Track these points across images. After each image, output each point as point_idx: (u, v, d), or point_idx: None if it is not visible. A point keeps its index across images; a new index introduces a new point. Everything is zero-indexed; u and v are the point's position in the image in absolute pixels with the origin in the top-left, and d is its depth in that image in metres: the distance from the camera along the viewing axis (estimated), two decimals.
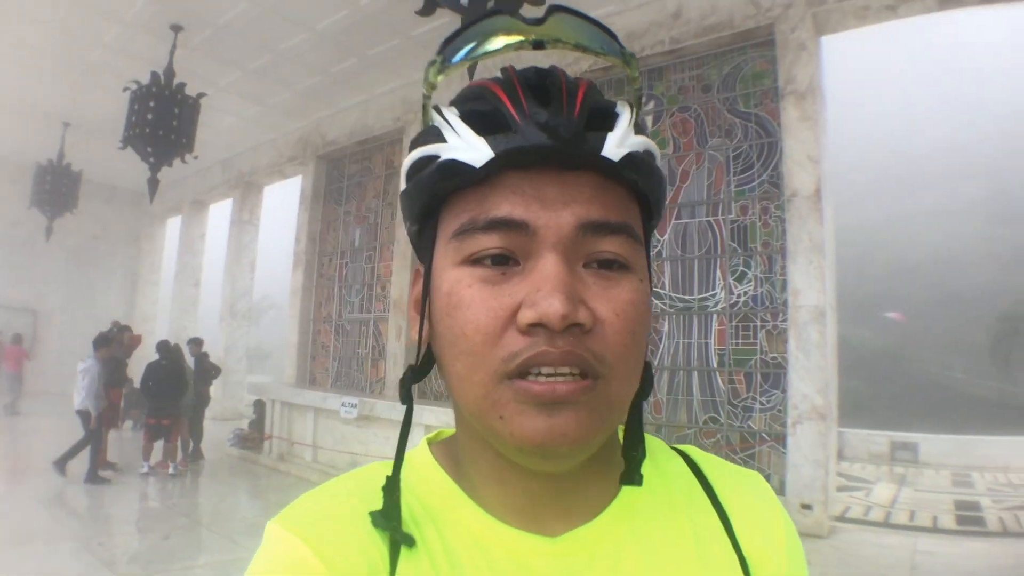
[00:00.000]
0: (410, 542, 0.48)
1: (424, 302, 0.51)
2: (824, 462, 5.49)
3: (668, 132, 7.10)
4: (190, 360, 8.84)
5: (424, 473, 0.54)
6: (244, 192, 13.09)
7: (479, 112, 0.48)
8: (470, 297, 0.46)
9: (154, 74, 8.28)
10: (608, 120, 0.49)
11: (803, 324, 5.71)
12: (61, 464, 7.23)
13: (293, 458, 8.27)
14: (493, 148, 0.46)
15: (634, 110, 0.51)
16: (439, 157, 0.48)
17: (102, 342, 7.67)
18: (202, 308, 14.70)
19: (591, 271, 0.47)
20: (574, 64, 6.63)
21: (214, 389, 9.80)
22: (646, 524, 0.54)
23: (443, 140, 0.48)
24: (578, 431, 0.45)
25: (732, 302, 6.36)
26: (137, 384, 8.86)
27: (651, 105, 7.29)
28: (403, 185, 0.53)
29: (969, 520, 6.78)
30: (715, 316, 6.47)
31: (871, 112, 60.97)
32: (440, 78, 0.50)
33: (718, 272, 6.51)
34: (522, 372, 0.44)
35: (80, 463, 7.19)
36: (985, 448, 11.19)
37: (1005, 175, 51.42)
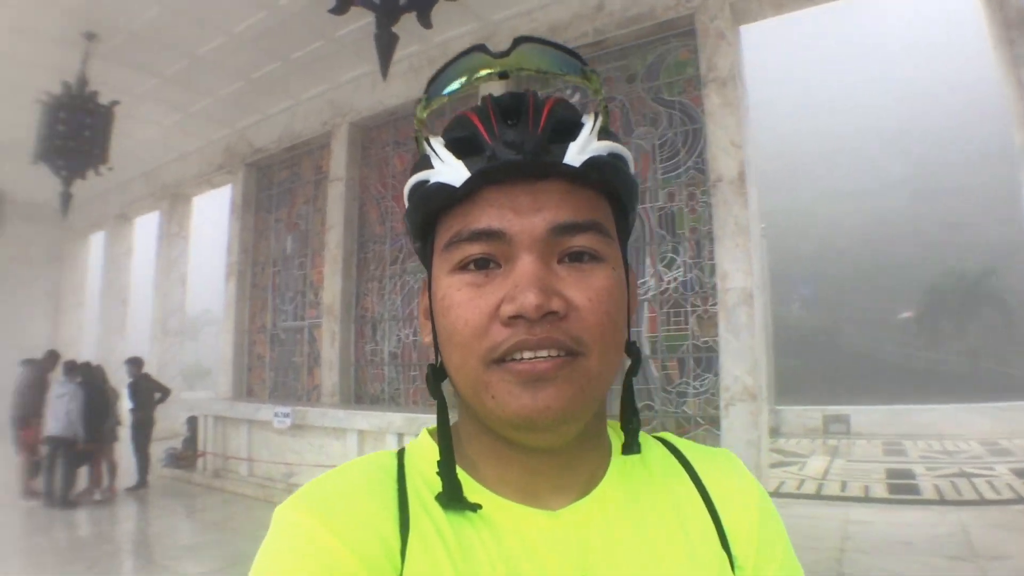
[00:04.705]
0: (474, 508, 0.54)
1: (431, 307, 0.58)
2: (756, 441, 5.59)
3: None
4: (119, 381, 8.51)
5: (429, 457, 0.59)
6: (172, 204, 12.67)
7: (459, 138, 0.55)
8: (460, 299, 0.53)
9: (65, 84, 7.96)
10: (573, 131, 0.55)
11: (732, 307, 5.81)
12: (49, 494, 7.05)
13: (228, 474, 8.04)
14: (469, 169, 0.53)
15: (598, 119, 0.56)
16: (428, 181, 0.56)
17: (77, 370, 7.55)
18: (132, 327, 14.04)
19: (565, 265, 0.54)
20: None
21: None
22: (634, 498, 0.60)
23: (432, 166, 0.56)
24: (560, 403, 0.51)
25: (662, 289, 6.45)
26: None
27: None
28: (406, 207, 0.61)
29: (902, 488, 6.97)
30: (646, 304, 6.55)
31: (793, 98, 62.80)
32: (426, 113, 0.58)
33: (647, 260, 6.59)
34: (507, 357, 0.51)
35: None
36: (917, 416, 11.56)
37: (925, 153, 53.66)
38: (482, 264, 0.53)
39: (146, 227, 13.92)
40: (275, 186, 10.64)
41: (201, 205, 13.34)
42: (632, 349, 0.60)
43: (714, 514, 0.62)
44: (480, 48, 0.56)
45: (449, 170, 0.54)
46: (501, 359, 0.51)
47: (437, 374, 0.59)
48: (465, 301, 0.53)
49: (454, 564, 0.52)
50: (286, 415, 7.12)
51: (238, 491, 7.49)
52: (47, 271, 15.76)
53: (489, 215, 0.53)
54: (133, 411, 8.19)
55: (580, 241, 0.54)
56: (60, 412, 7.15)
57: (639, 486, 0.62)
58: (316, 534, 0.50)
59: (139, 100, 9.52)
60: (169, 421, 11.15)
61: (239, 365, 10.49)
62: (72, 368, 7.63)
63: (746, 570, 0.61)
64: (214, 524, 6.26)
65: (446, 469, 0.56)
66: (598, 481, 0.60)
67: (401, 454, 0.61)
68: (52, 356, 8.41)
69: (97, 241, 15.38)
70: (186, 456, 8.83)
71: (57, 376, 7.68)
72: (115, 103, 8.30)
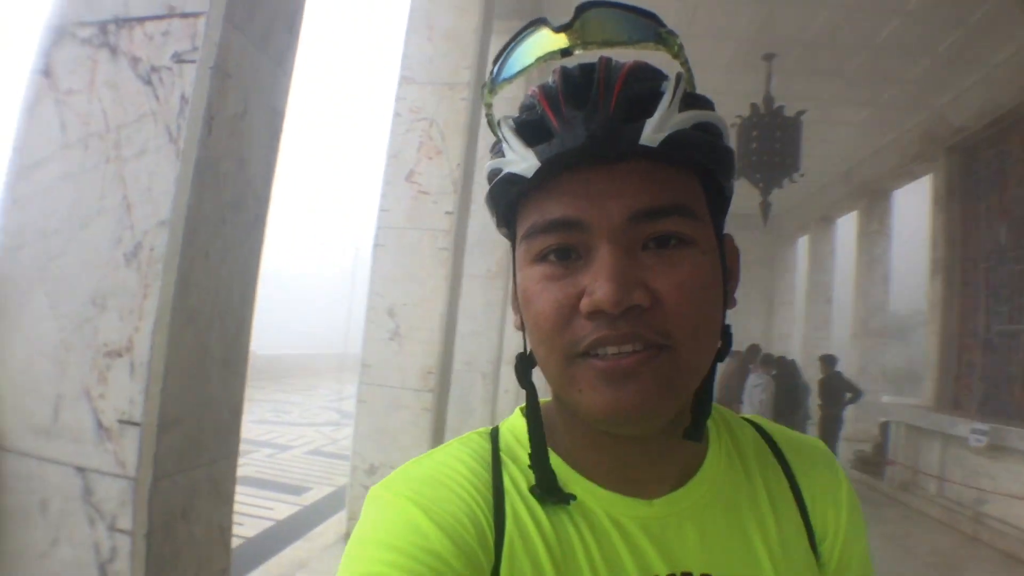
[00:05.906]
0: (568, 499, 0.54)
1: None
2: None
3: None
4: (811, 377, 8.80)
5: (524, 442, 0.58)
6: (870, 201, 12.40)
7: (529, 122, 0.52)
8: (539, 292, 0.51)
9: (753, 105, 8.76)
10: (650, 105, 0.49)
11: None
12: None
13: (915, 488, 7.34)
14: (539, 157, 0.50)
15: (680, 86, 0.51)
16: (502, 170, 0.54)
17: (772, 363, 8.43)
18: (834, 326, 14.28)
19: (650, 252, 0.49)
20: None
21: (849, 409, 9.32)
22: (730, 489, 0.58)
23: (504, 154, 0.54)
24: (645, 400, 0.48)
25: None
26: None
27: None
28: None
29: None
30: None
31: None
32: (491, 97, 0.56)
33: None
34: (590, 352, 0.48)
35: None
36: None
37: None
38: (563, 254, 0.50)
39: (846, 227, 13.98)
40: (981, 169, 9.27)
41: (901, 198, 12.64)
42: (725, 333, 0.56)
43: (802, 508, 0.60)
44: (540, 22, 0.51)
45: (519, 159, 0.51)
46: (584, 353, 0.48)
47: (526, 362, 0.57)
48: (544, 295, 0.50)
49: (551, 555, 0.51)
50: (983, 433, 6.11)
51: (922, 509, 6.81)
52: (761, 272, 17.56)
53: (564, 204, 0.50)
54: (821, 407, 8.35)
55: (664, 226, 0.49)
56: (755, 400, 7.80)
57: (736, 476, 0.59)
58: (411, 514, 0.50)
59: (825, 105, 9.70)
60: (863, 423, 10.92)
61: (945, 372, 9.48)
62: (768, 361, 8.26)
63: (828, 567, 0.59)
64: (891, 538, 5.80)
65: (538, 462, 0.54)
66: (695, 470, 0.58)
67: (495, 436, 0.59)
68: (753, 349, 9.19)
69: (802, 243, 16.25)
70: (875, 462, 8.47)
71: (755, 367, 8.41)
72: (801, 113, 8.68)
